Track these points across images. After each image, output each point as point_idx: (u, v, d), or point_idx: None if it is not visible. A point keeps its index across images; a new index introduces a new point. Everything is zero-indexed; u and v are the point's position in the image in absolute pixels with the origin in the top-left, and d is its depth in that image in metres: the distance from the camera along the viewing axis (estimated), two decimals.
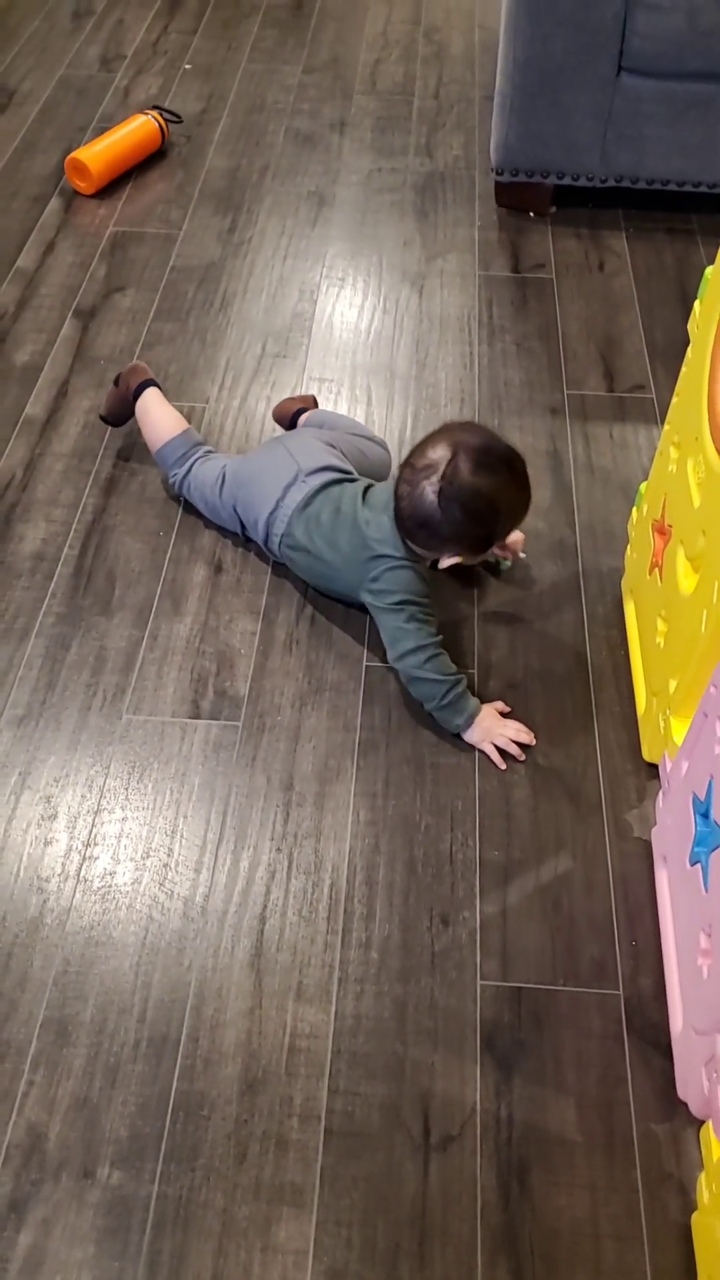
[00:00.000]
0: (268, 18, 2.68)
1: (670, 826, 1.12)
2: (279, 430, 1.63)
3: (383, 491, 1.33)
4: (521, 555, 1.48)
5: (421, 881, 1.19)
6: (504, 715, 1.32)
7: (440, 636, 1.30)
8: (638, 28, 1.77)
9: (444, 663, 1.29)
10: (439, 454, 1.22)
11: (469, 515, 1.22)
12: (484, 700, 1.32)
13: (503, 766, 1.28)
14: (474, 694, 1.33)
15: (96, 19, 2.66)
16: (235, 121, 2.33)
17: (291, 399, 1.64)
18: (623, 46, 1.80)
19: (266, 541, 1.44)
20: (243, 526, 1.47)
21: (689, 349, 1.18)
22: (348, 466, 1.43)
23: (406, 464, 1.26)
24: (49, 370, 1.76)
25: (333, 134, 2.30)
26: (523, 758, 1.28)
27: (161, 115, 2.21)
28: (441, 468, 1.21)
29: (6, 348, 1.80)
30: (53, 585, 1.47)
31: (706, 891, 0.96)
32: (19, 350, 1.80)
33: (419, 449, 1.25)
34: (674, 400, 1.23)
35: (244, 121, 2.33)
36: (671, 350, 1.79)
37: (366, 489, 1.38)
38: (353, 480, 1.41)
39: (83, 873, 1.20)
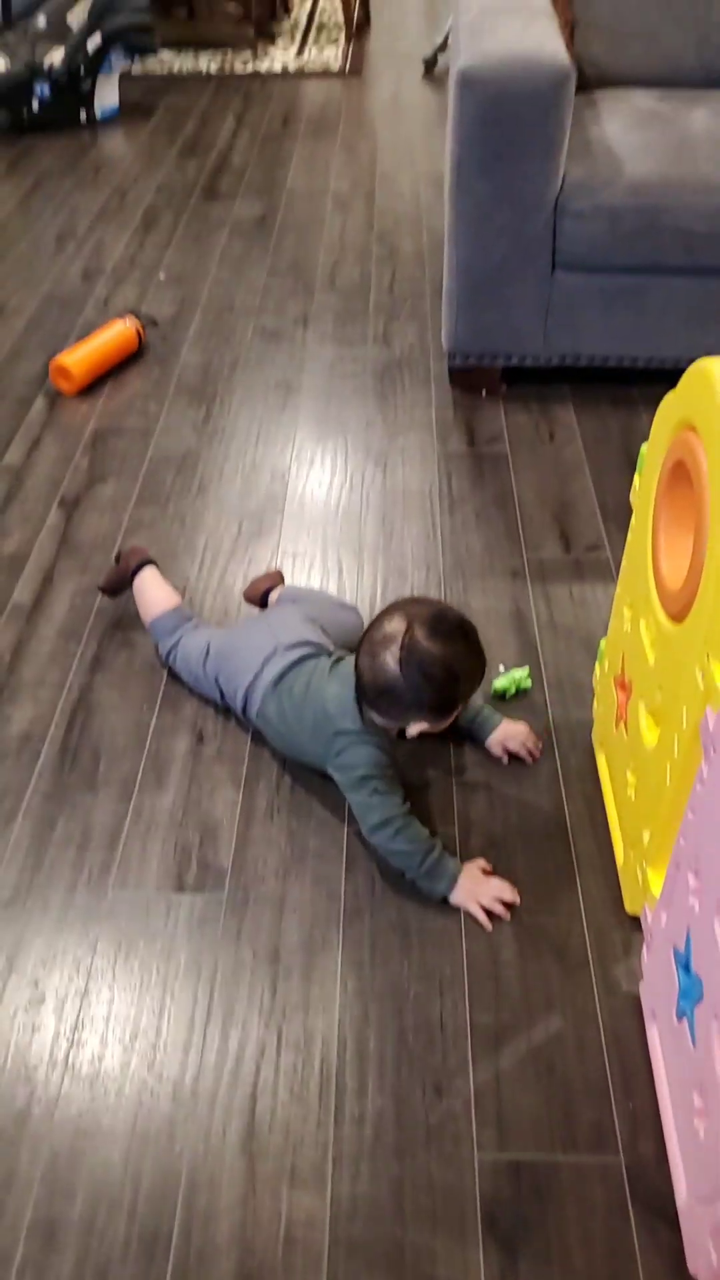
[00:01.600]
0: (235, 230, 2.94)
1: (656, 980, 1.12)
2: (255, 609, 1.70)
3: (347, 665, 1.38)
4: (537, 754, 1.49)
5: (413, 1051, 1.18)
6: (487, 873, 1.33)
7: (408, 805, 1.33)
8: (566, 233, 1.96)
9: (415, 831, 1.31)
10: (395, 626, 1.26)
11: (429, 681, 1.25)
12: (466, 858, 1.34)
13: (489, 928, 1.28)
14: (455, 853, 1.35)
15: (78, 240, 2.91)
16: (207, 322, 2.52)
17: (260, 579, 1.72)
18: (554, 248, 1.99)
19: (245, 712, 1.49)
20: (223, 696, 1.52)
21: (633, 518, 1.27)
22: (326, 641, 1.50)
23: (365, 638, 1.30)
24: (35, 558, 1.85)
25: (297, 329, 2.48)
26: (508, 917, 1.29)
27: (138, 320, 2.39)
28: (400, 638, 1.25)
29: None
30: (39, 765, 1.50)
31: (695, 1047, 0.96)
32: (6, 540, 1.89)
33: (375, 623, 1.29)
34: (624, 564, 1.31)
35: (215, 322, 2.52)
36: (622, 511, 1.88)
37: (336, 662, 1.42)
38: (328, 655, 1.46)
39: (71, 1059, 1.18)
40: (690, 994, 0.97)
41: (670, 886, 1.06)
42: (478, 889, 1.30)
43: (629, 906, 1.29)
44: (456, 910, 1.31)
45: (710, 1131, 0.92)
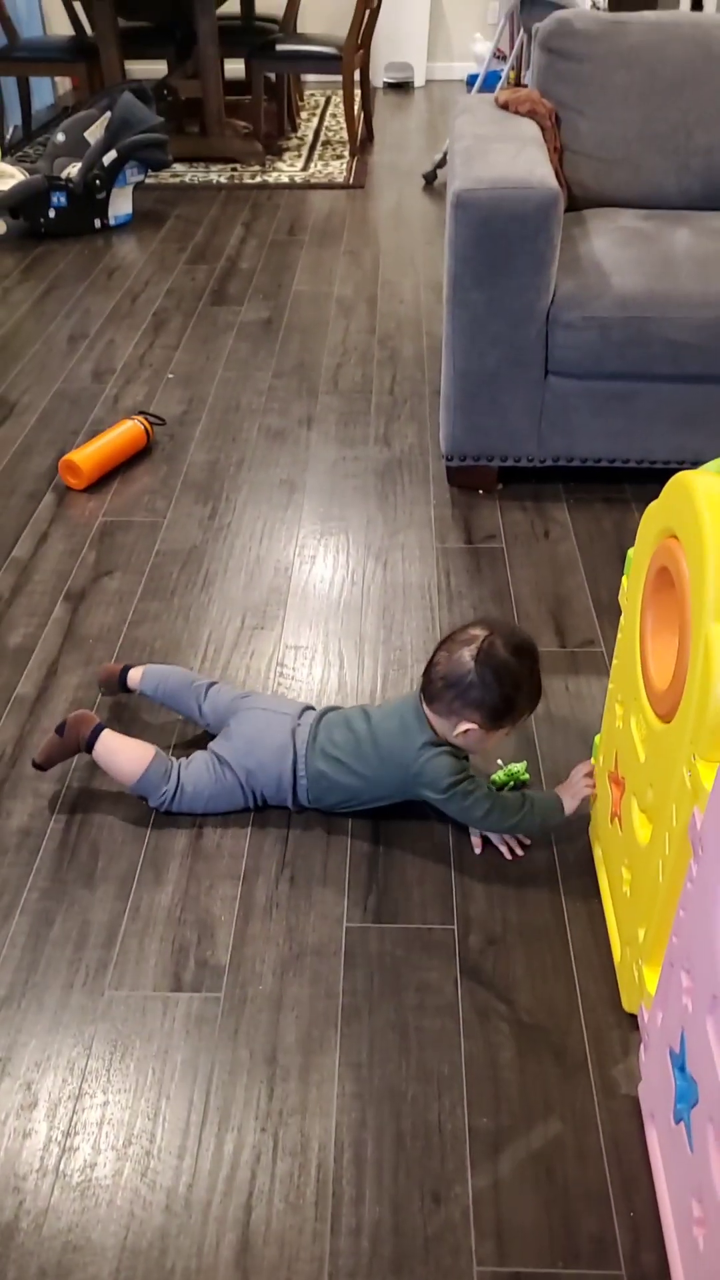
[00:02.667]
0: (241, 332, 3.06)
1: (654, 1082, 1.11)
2: (217, 691, 1.65)
3: (388, 703, 1.55)
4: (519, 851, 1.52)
5: (411, 1156, 1.17)
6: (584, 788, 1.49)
7: (489, 786, 1.46)
8: (558, 342, 2.05)
9: (510, 802, 1.44)
10: (478, 631, 1.41)
11: (498, 681, 1.38)
12: (464, 955, 1.33)
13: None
14: (453, 950, 1.35)
15: (90, 340, 3.03)
16: (214, 421, 2.61)
17: (108, 667, 1.72)
18: (547, 356, 2.07)
19: (294, 791, 1.51)
20: (254, 797, 1.53)
21: (622, 618, 1.31)
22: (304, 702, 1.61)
23: (446, 640, 1.45)
24: (40, 651, 1.88)
25: (301, 429, 2.57)
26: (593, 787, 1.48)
27: (147, 419, 2.48)
28: (481, 640, 1.39)
29: (1, 630, 1.93)
30: (38, 861, 1.50)
31: (692, 1152, 0.95)
32: (12, 633, 1.93)
33: (459, 630, 1.45)
34: (615, 662, 1.34)
35: (221, 421, 2.61)
36: (616, 607, 1.92)
37: (358, 711, 1.54)
38: (335, 707, 1.58)
39: (62, 1166, 1.17)
40: (686, 1097, 0.97)
41: (665, 985, 1.06)
42: (575, 793, 1.48)
43: (626, 1005, 1.28)
44: (455, 1009, 1.30)
45: (709, 1241, 0.91)
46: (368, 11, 4.60)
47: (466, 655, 1.39)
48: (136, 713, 1.74)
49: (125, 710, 1.75)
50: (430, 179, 4.36)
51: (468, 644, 1.40)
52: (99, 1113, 1.21)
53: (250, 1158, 1.17)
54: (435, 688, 1.42)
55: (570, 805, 1.48)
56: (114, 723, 1.66)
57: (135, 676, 1.69)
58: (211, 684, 1.66)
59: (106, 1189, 1.15)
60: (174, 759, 1.57)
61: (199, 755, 1.57)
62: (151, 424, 2.48)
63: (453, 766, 1.42)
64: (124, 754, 1.54)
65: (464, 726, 1.41)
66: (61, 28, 5.36)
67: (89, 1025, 1.30)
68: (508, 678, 1.38)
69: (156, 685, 1.68)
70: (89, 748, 1.54)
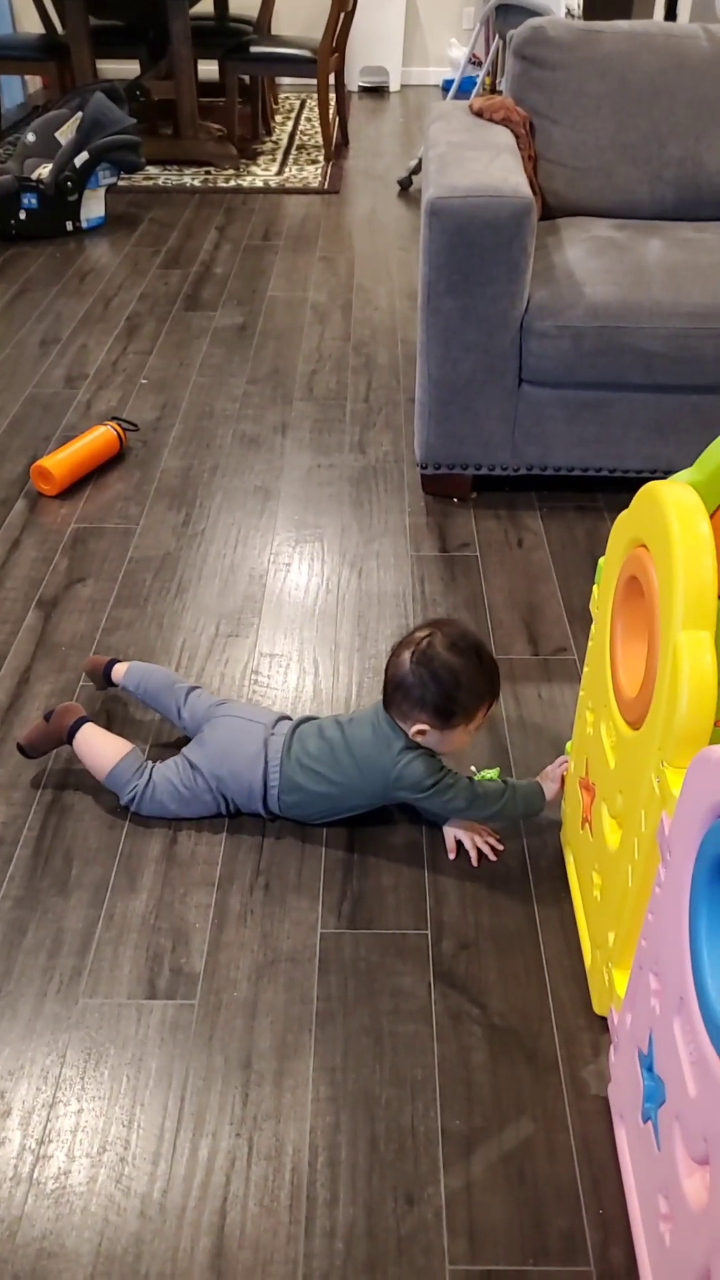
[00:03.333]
0: (215, 338, 3.06)
1: (623, 1083, 1.13)
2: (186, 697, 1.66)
3: (360, 712, 1.54)
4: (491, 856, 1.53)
5: (384, 1159, 1.18)
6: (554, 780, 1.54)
7: (466, 777, 1.48)
8: (532, 351, 2.07)
9: (491, 792, 1.47)
10: (421, 633, 1.45)
11: (435, 679, 1.40)
12: (438, 959, 1.35)
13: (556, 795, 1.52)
14: (427, 955, 1.37)
15: (61, 345, 3.02)
16: (187, 427, 2.61)
17: (95, 659, 1.75)
18: (521, 365, 2.10)
19: (265, 800, 1.52)
20: (226, 804, 1.54)
21: (592, 627, 1.33)
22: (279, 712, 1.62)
23: (397, 644, 1.47)
24: (12, 658, 1.88)
25: (275, 436, 2.58)
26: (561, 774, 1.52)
27: (120, 425, 2.47)
28: (420, 641, 1.43)
29: None
30: (11, 869, 1.50)
31: (659, 1151, 0.97)
32: None
33: (408, 633, 1.48)
34: (585, 670, 1.36)
35: (195, 427, 2.61)
36: (588, 615, 1.95)
37: (330, 721, 1.54)
38: (310, 717, 1.58)
39: (36, 1174, 1.17)
40: (654, 1097, 0.99)
41: (633, 988, 1.08)
42: (554, 781, 1.52)
43: (597, 1007, 1.30)
44: (428, 1013, 1.32)
45: (675, 1236, 0.93)
46: (343, 15, 4.62)
47: (405, 656, 1.42)
48: (124, 709, 1.76)
49: (113, 706, 1.76)
50: (405, 185, 4.38)
51: (408, 645, 1.44)
52: (73, 1120, 1.22)
53: (225, 1163, 1.18)
54: (386, 692, 1.46)
55: (550, 790, 1.51)
56: (99, 718, 1.69)
57: (120, 671, 1.71)
58: (193, 688, 1.66)
59: (81, 1195, 1.15)
60: (147, 760, 1.58)
61: (172, 759, 1.58)
62: (124, 430, 2.48)
63: (431, 766, 1.44)
64: (100, 746, 1.58)
65: (417, 727, 1.43)
66: (32, 25, 5.34)
67: (63, 1033, 1.30)
68: (446, 675, 1.40)
69: (139, 682, 1.69)
70: (70, 738, 1.58)
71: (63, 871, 1.50)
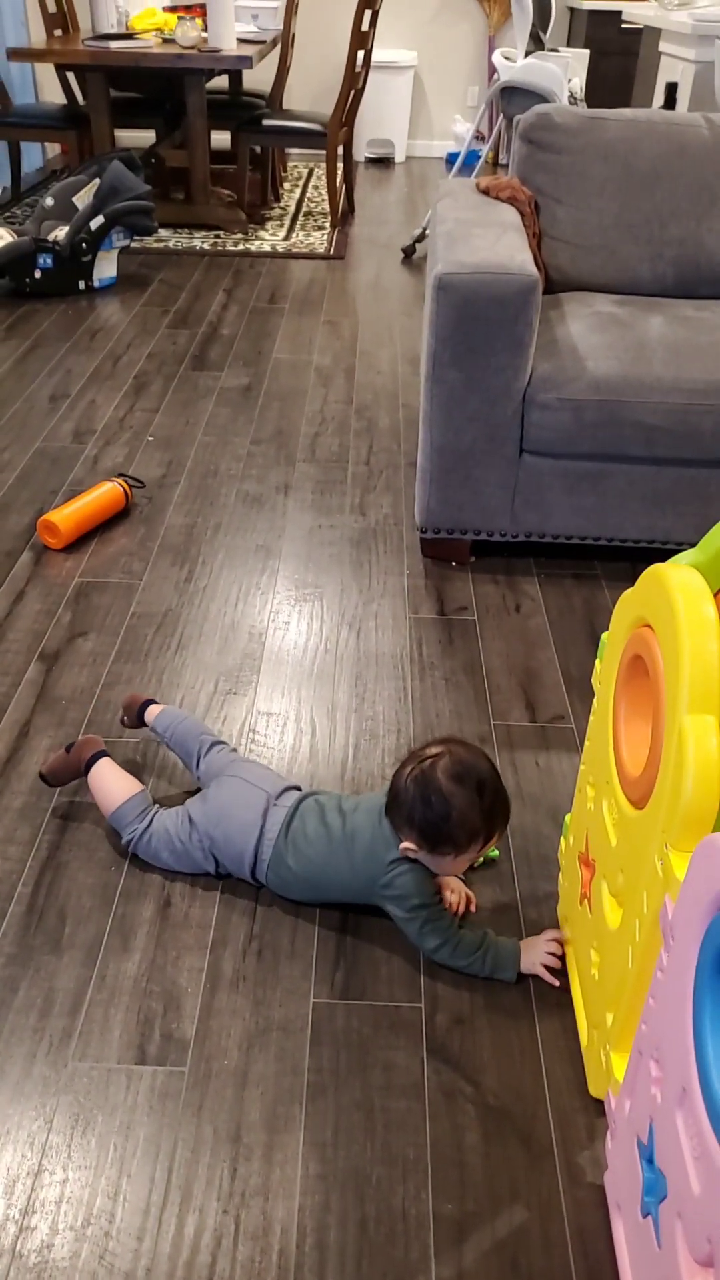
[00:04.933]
0: (221, 398, 3.11)
1: (621, 1172, 1.11)
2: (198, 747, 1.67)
3: (368, 800, 1.49)
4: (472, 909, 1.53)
5: (374, 1243, 1.15)
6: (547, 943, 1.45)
7: (454, 918, 1.45)
8: (533, 422, 2.11)
9: (468, 942, 1.41)
10: (430, 750, 1.39)
11: (424, 804, 1.35)
12: (431, 1035, 1.33)
13: (556, 984, 1.41)
14: (420, 1030, 1.35)
15: (71, 400, 3.06)
16: (192, 485, 2.64)
17: (133, 698, 1.78)
18: (522, 435, 2.13)
19: (254, 870, 1.51)
20: (216, 864, 1.53)
21: (594, 701, 1.34)
22: (291, 781, 1.60)
23: (410, 751, 1.43)
24: (12, 711, 1.88)
25: (278, 496, 2.61)
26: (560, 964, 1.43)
27: (126, 481, 2.50)
28: (424, 760, 1.38)
29: None
30: (4, 925, 1.49)
31: (660, 1249, 0.95)
32: None
33: (423, 745, 1.42)
34: (587, 744, 1.37)
35: (200, 485, 2.64)
36: (585, 683, 1.97)
37: (334, 803, 1.51)
38: (318, 793, 1.56)
39: (18, 1247, 1.14)
40: (654, 1190, 0.97)
41: (633, 1073, 1.07)
42: (534, 957, 1.42)
43: (593, 1090, 1.28)
44: (421, 1089, 1.30)
45: None
46: (353, 92, 4.76)
47: (406, 770, 1.38)
48: (147, 749, 1.78)
49: (147, 748, 1.78)
50: (409, 252, 4.48)
51: (413, 760, 1.39)
52: (58, 1190, 1.19)
53: (211, 1241, 1.15)
54: (387, 799, 1.42)
55: (526, 964, 1.42)
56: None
57: (153, 713, 1.74)
58: (217, 743, 1.67)
59: (64, 1271, 1.12)
60: (155, 806, 1.59)
61: (176, 809, 1.58)
62: (130, 486, 2.50)
63: (421, 886, 1.40)
64: (110, 783, 1.61)
65: (406, 844, 1.38)
66: (54, 95, 5.49)
67: (51, 1097, 1.28)
68: (439, 802, 1.34)
69: (168, 726, 1.71)
70: (86, 770, 1.62)
71: (56, 929, 1.48)
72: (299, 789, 1.58)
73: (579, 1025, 1.36)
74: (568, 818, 1.49)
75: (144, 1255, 1.14)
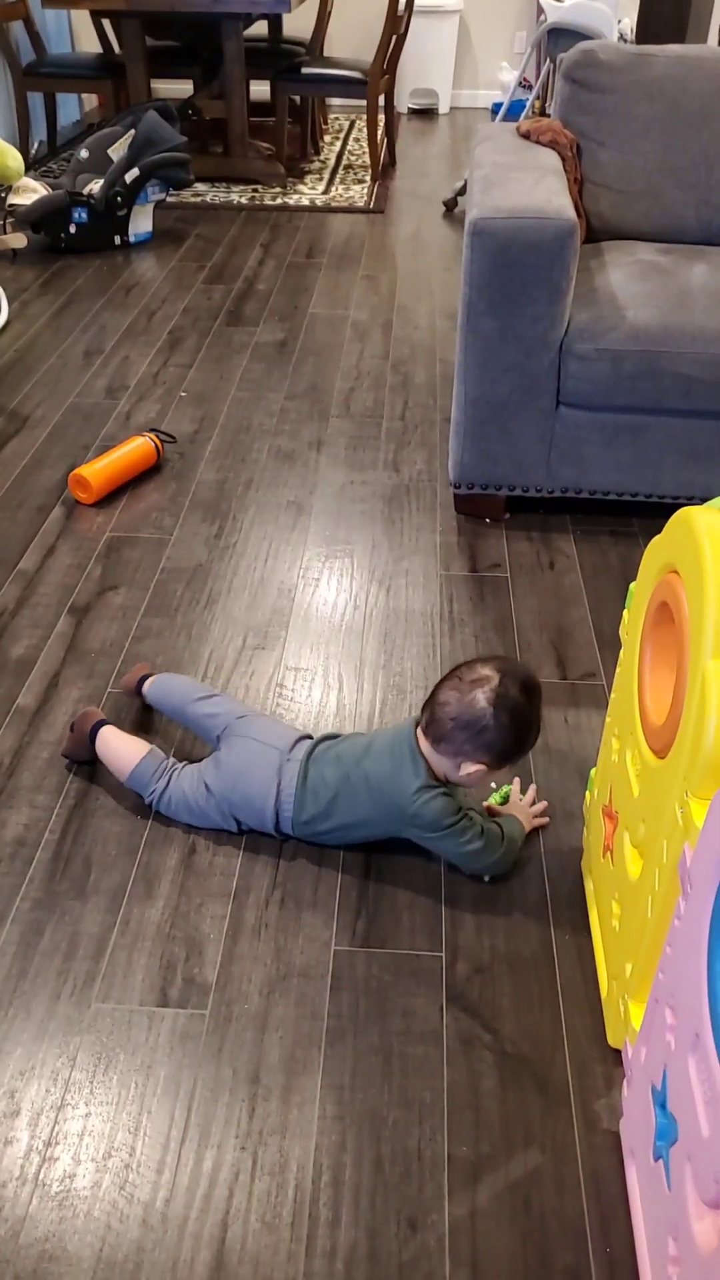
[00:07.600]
0: (256, 353, 3.08)
1: (635, 1118, 1.11)
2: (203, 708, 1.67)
3: (381, 737, 1.50)
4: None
5: (389, 1181, 1.16)
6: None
7: (482, 827, 1.46)
8: (571, 373, 2.06)
9: (492, 835, 1.46)
10: (488, 672, 1.39)
11: (513, 724, 1.38)
12: (450, 983, 1.34)
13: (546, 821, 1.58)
14: (441, 978, 1.36)
15: (105, 356, 3.06)
16: (224, 441, 2.63)
17: (133, 671, 1.79)
18: (559, 386, 2.09)
19: (278, 826, 1.51)
20: (238, 824, 1.54)
21: (621, 652, 1.31)
22: (301, 730, 1.60)
23: (451, 678, 1.42)
24: (42, 663, 1.89)
25: (311, 451, 2.59)
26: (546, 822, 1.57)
27: (158, 436, 2.50)
28: (494, 683, 1.37)
29: (3, 642, 1.95)
30: (31, 870, 1.51)
31: (669, 1191, 0.95)
32: (15, 644, 1.94)
33: (466, 667, 1.42)
34: (612, 696, 1.35)
35: (232, 441, 2.63)
36: (618, 641, 1.93)
37: (349, 745, 1.52)
38: (331, 737, 1.56)
39: (41, 1176, 1.17)
40: (666, 1135, 0.97)
41: (649, 1021, 1.06)
42: (525, 820, 1.55)
43: (611, 1039, 1.28)
44: (439, 1036, 1.30)
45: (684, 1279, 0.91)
46: (395, 38, 4.66)
47: (481, 698, 1.37)
48: (149, 716, 1.78)
49: (146, 714, 1.79)
50: (451, 206, 4.40)
51: (479, 685, 1.37)
52: (80, 1124, 1.21)
53: (229, 1175, 1.17)
54: (444, 728, 1.39)
55: (528, 826, 1.54)
56: (125, 724, 1.74)
57: (146, 684, 1.75)
58: (209, 697, 1.67)
59: (85, 1200, 1.15)
60: (170, 762, 1.60)
61: (192, 768, 1.59)
62: (162, 441, 2.50)
63: (449, 807, 1.43)
64: (119, 749, 1.61)
65: (471, 768, 1.40)
66: (89, 45, 5.44)
67: (74, 1036, 1.30)
68: (521, 720, 1.38)
69: (159, 698, 1.72)
70: (91, 741, 1.62)
71: (81, 876, 1.50)
72: (310, 737, 1.57)
73: (599, 976, 1.35)
74: (593, 771, 1.47)
75: (163, 1187, 1.16)
